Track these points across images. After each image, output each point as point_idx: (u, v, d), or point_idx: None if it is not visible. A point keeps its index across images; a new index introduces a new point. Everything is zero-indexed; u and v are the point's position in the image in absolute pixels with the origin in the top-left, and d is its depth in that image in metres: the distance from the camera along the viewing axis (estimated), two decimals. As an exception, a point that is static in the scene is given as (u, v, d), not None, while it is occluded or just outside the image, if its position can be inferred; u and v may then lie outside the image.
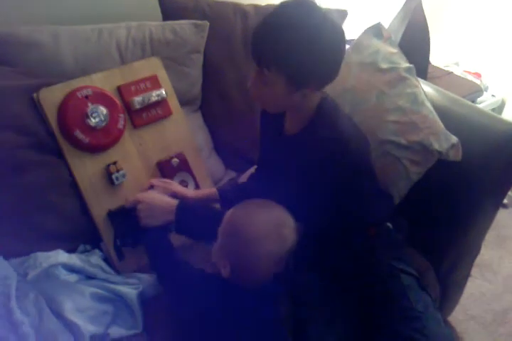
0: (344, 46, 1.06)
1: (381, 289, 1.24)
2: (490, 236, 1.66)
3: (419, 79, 1.53)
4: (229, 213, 1.09)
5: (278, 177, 1.26)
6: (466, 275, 1.68)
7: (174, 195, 1.35)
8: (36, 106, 1.28)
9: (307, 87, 1.07)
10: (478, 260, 1.66)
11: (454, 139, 1.38)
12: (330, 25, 1.02)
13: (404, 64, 1.53)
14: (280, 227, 1.04)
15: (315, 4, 1.02)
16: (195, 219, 1.26)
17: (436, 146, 1.36)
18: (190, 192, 1.39)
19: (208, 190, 1.44)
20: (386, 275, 1.27)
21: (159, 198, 1.29)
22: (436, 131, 1.39)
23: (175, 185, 1.39)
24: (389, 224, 1.33)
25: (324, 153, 1.10)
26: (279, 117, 1.25)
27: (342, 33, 1.05)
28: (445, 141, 1.38)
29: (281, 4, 1.04)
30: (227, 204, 1.36)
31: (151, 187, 1.37)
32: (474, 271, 1.77)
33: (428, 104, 1.46)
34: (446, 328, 1.23)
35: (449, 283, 1.56)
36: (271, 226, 1.04)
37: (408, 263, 1.31)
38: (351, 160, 1.12)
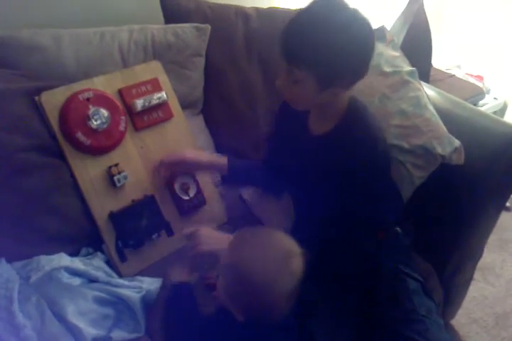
0: (373, 44, 1.06)
1: (387, 291, 1.25)
2: (492, 240, 1.66)
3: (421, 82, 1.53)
4: (229, 253, 0.97)
5: (296, 176, 1.26)
6: (469, 279, 1.67)
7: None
8: (38, 109, 1.28)
9: (337, 85, 1.07)
10: (481, 263, 1.66)
11: (457, 143, 1.38)
12: (359, 23, 1.02)
13: (407, 67, 1.53)
14: (289, 261, 0.93)
15: (344, 3, 1.02)
16: None
17: (439, 150, 1.36)
18: (204, 157, 1.40)
19: (221, 158, 1.42)
20: (393, 278, 1.27)
21: (214, 235, 1.23)
22: (439, 134, 1.39)
23: (187, 154, 1.38)
24: (398, 229, 1.33)
25: (356, 153, 1.11)
26: (301, 117, 1.25)
27: (371, 31, 1.05)
28: (448, 145, 1.38)
29: (311, 3, 1.04)
30: (232, 175, 1.39)
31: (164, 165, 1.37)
32: (477, 275, 1.76)
33: (431, 108, 1.46)
34: (447, 334, 1.23)
35: (451, 286, 1.55)
36: (280, 265, 0.93)
37: (414, 268, 1.31)
38: (380, 160, 1.15)
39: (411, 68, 1.53)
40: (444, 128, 1.41)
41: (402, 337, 1.16)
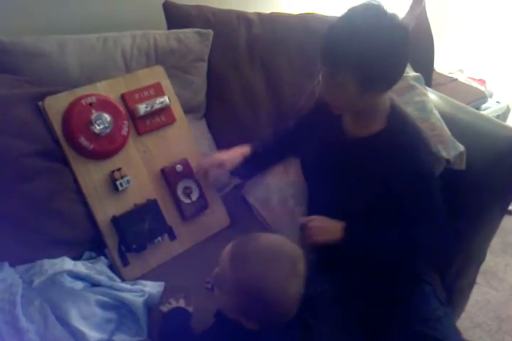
0: (409, 45, 1.09)
1: (403, 294, 1.27)
2: (495, 243, 1.65)
3: (423, 86, 1.54)
4: (234, 270, 0.94)
5: (329, 177, 1.28)
6: (472, 283, 1.67)
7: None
8: (42, 114, 1.29)
9: (378, 87, 1.10)
10: (484, 267, 1.65)
11: (461, 147, 1.39)
12: (398, 27, 1.06)
13: (412, 73, 1.54)
14: (295, 267, 0.94)
15: (382, 7, 1.05)
16: (360, 239, 1.25)
17: (444, 154, 1.36)
18: (235, 161, 1.43)
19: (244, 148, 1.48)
20: (408, 281, 1.30)
21: (329, 219, 1.28)
22: (444, 139, 1.40)
23: (226, 162, 1.42)
24: None
25: (409, 153, 1.16)
26: (334, 119, 1.27)
27: (407, 34, 1.08)
28: (453, 149, 1.39)
29: (351, 9, 1.07)
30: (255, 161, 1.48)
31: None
32: (480, 278, 1.76)
33: (436, 112, 1.47)
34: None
35: (454, 290, 1.55)
36: (289, 274, 0.93)
37: (425, 273, 1.35)
38: (430, 160, 1.21)
39: (416, 74, 1.54)
40: (449, 133, 1.42)
41: (421, 335, 1.17)
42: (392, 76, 1.11)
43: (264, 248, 0.96)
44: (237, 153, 1.44)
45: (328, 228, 1.26)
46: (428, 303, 1.25)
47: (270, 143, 1.52)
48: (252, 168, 1.52)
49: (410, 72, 1.55)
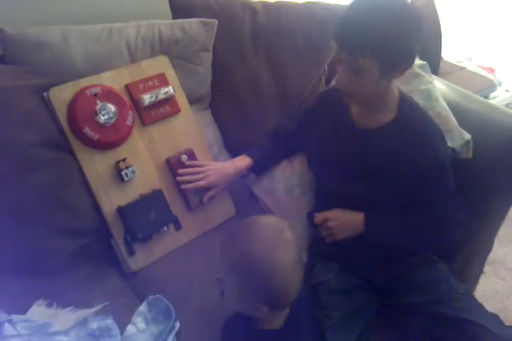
0: (422, 27, 1.08)
1: (420, 277, 1.27)
2: (504, 233, 1.63)
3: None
4: (225, 257, 0.98)
5: (341, 170, 1.28)
6: (479, 272, 1.66)
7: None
8: (47, 105, 1.30)
9: (395, 70, 1.10)
10: (492, 257, 1.64)
11: (467, 136, 1.38)
12: (411, 6, 1.06)
13: (418, 61, 1.53)
14: (280, 235, 0.97)
15: None
16: (384, 228, 1.27)
17: (449, 143, 1.35)
18: (228, 169, 1.45)
19: (241, 159, 1.49)
20: (424, 264, 1.30)
21: (346, 214, 1.29)
22: (450, 128, 1.39)
23: (212, 179, 1.43)
24: None
25: (424, 140, 1.18)
26: (342, 112, 1.27)
27: (420, 13, 1.09)
28: (459, 138, 1.38)
29: None
30: (260, 167, 1.52)
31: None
32: (488, 268, 1.75)
33: (442, 101, 1.46)
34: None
35: (461, 280, 1.53)
36: (274, 242, 0.96)
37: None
38: (444, 145, 1.24)
39: (422, 62, 1.53)
40: (455, 122, 1.41)
41: (442, 317, 1.17)
42: (411, 55, 1.10)
43: (245, 225, 1.00)
44: (232, 169, 1.46)
45: (348, 225, 1.27)
46: (448, 282, 1.25)
47: (270, 149, 1.53)
48: (257, 172, 1.54)
49: (416, 60, 1.53)
